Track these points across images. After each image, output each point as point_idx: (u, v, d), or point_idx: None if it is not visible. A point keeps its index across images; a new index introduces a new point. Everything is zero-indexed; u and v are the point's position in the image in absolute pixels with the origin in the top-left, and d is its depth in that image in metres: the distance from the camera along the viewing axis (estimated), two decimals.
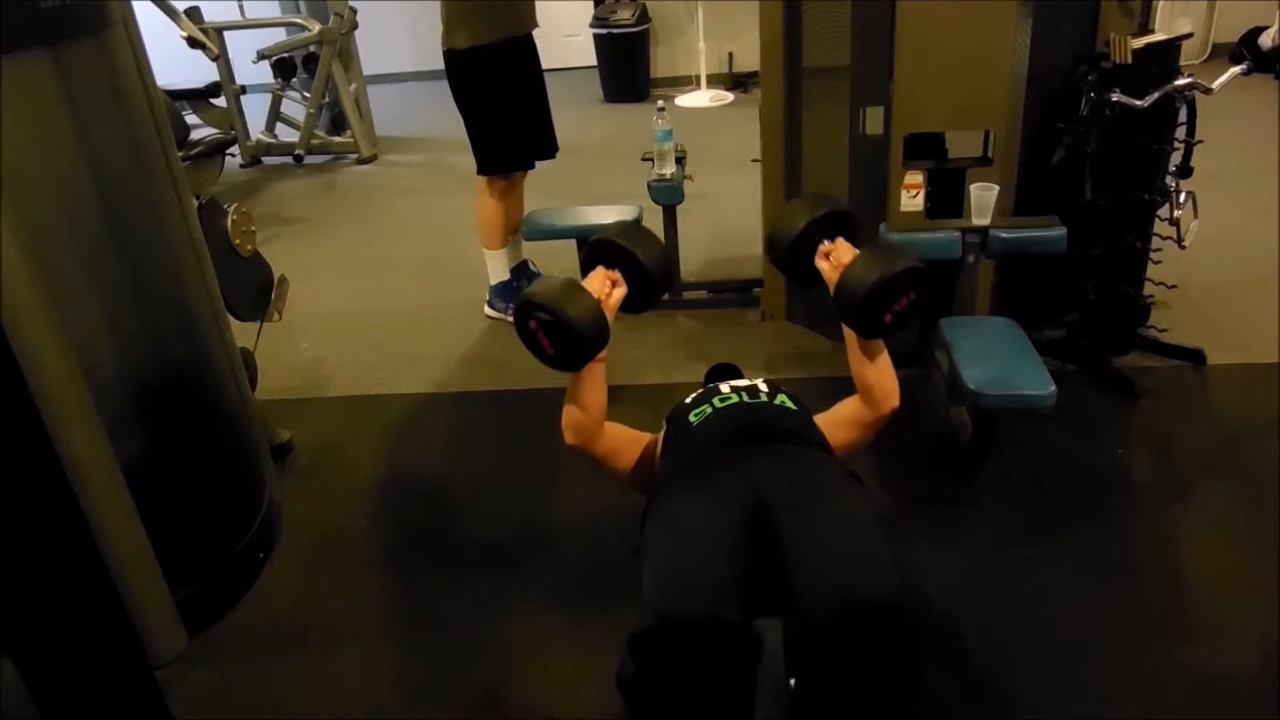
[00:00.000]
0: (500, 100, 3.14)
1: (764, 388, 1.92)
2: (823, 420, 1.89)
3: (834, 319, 1.81)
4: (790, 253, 1.84)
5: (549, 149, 3.37)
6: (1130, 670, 1.85)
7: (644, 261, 1.80)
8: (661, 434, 1.92)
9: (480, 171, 3.27)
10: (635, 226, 1.93)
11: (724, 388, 1.91)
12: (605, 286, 1.78)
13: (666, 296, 3.37)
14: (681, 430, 1.84)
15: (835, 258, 1.79)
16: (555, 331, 1.67)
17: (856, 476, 1.71)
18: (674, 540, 1.54)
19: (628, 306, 1.82)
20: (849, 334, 1.80)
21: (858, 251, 1.75)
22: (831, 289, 1.77)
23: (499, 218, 3.33)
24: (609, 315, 1.73)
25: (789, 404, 1.86)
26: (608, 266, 1.82)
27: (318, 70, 5.46)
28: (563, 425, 1.81)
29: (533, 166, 3.36)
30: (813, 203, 1.85)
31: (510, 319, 3.40)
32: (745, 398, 1.86)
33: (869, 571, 1.44)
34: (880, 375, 1.80)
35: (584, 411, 1.79)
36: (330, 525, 2.48)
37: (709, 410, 1.83)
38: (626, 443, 1.91)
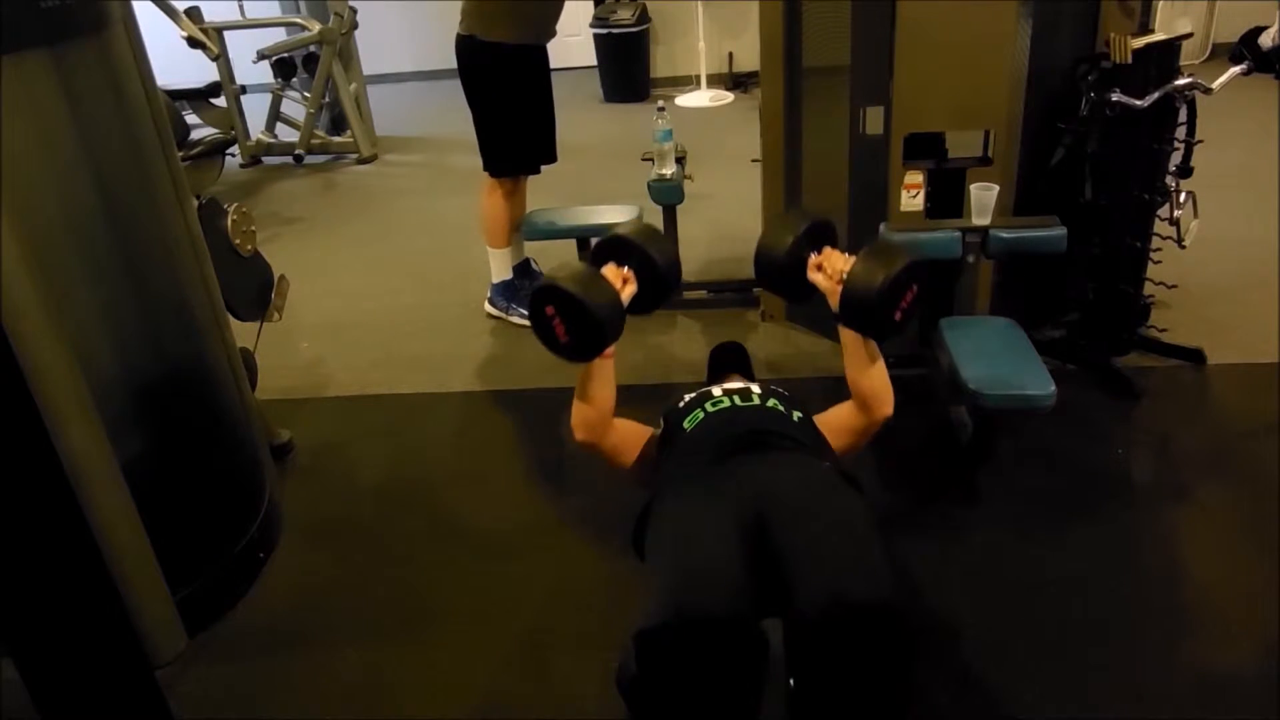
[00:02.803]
0: (516, 103, 3.16)
1: (757, 390, 1.92)
2: (817, 423, 1.89)
3: (834, 323, 1.81)
4: (783, 270, 1.85)
5: (550, 155, 3.39)
6: (1130, 670, 1.85)
7: (656, 260, 1.80)
8: (659, 431, 1.92)
9: (488, 170, 3.27)
10: (649, 226, 1.93)
11: (716, 391, 1.91)
12: (617, 282, 1.78)
13: None
14: (675, 436, 1.84)
15: (829, 267, 1.80)
16: (574, 318, 1.65)
17: (853, 478, 1.71)
18: (683, 540, 1.55)
19: (635, 306, 1.82)
20: (847, 340, 1.81)
21: (851, 258, 1.75)
22: (832, 298, 1.78)
23: (504, 217, 3.33)
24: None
25: (780, 407, 1.86)
26: (619, 264, 1.82)
27: (318, 70, 5.46)
28: (572, 422, 1.82)
29: (539, 171, 3.37)
30: (795, 218, 1.87)
31: (511, 318, 3.44)
32: (738, 401, 1.86)
33: (863, 573, 1.45)
34: (876, 382, 1.81)
35: (594, 407, 1.79)
36: (330, 525, 2.47)
37: (701, 415, 1.84)
38: (634, 437, 1.92)
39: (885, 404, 1.82)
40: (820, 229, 1.86)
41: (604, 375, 1.79)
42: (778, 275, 1.86)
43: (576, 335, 1.67)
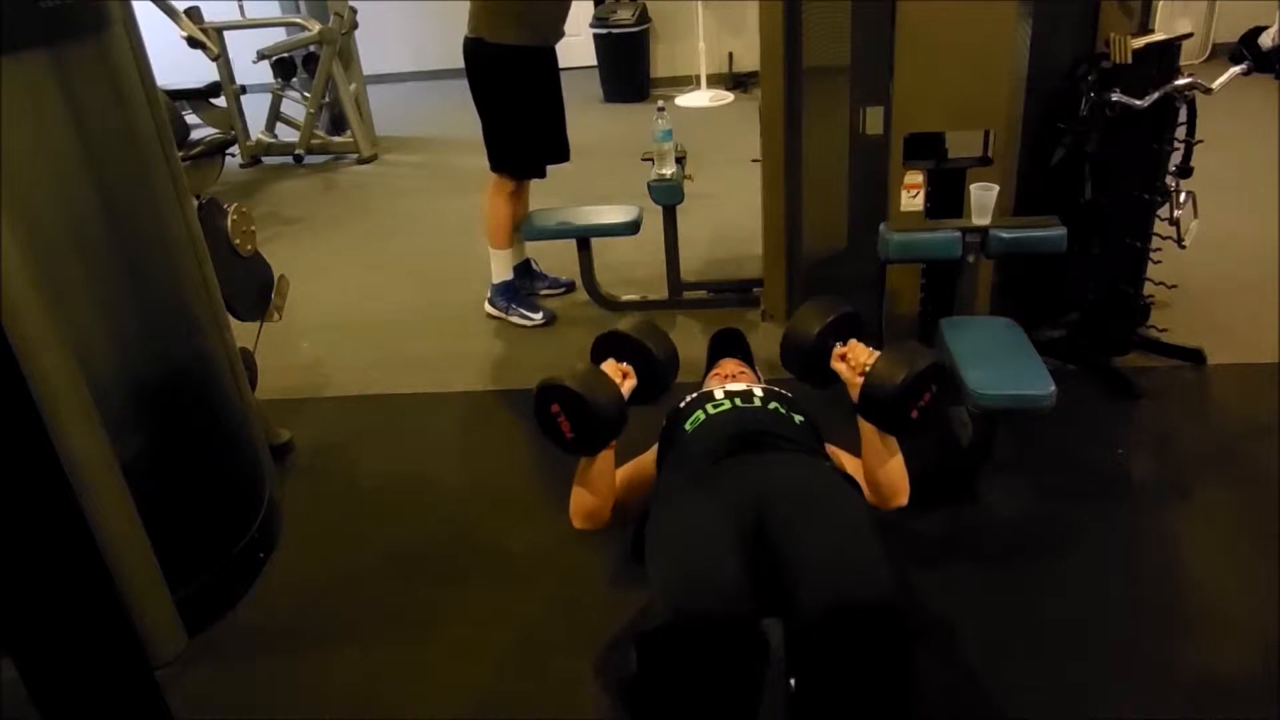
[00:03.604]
0: (523, 106, 3.17)
1: (758, 392, 1.92)
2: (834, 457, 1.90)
3: (852, 417, 1.84)
4: (807, 358, 1.89)
5: (562, 154, 3.39)
6: (1130, 670, 1.85)
7: (655, 355, 1.86)
8: (654, 449, 1.93)
9: (493, 169, 3.28)
10: (646, 321, 1.97)
11: (718, 393, 1.91)
12: (617, 377, 1.81)
13: (666, 296, 3.40)
14: (676, 436, 1.85)
15: (853, 359, 1.83)
16: (578, 415, 1.70)
17: (852, 479, 1.71)
18: (683, 541, 1.55)
19: (636, 398, 1.86)
20: (865, 432, 1.82)
21: (875, 352, 1.78)
22: (852, 390, 1.81)
23: (507, 218, 3.34)
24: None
25: (782, 410, 1.87)
26: (618, 359, 1.87)
27: (318, 70, 5.46)
28: (571, 511, 1.84)
29: (544, 174, 3.38)
30: (823, 308, 1.90)
31: (511, 318, 3.44)
32: (739, 403, 1.87)
33: (863, 573, 1.45)
34: (893, 476, 1.82)
35: (595, 496, 1.82)
36: (330, 525, 2.47)
37: (702, 417, 1.84)
38: (633, 492, 1.91)
39: (900, 495, 1.83)
40: (847, 320, 1.91)
41: (605, 466, 1.81)
42: (802, 360, 1.91)
43: (581, 431, 1.72)
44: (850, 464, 1.92)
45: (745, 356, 2.34)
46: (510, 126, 3.19)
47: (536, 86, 3.18)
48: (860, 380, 1.77)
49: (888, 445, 1.80)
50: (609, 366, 1.84)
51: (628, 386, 1.83)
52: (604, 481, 1.82)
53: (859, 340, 1.88)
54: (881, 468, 1.81)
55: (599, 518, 1.85)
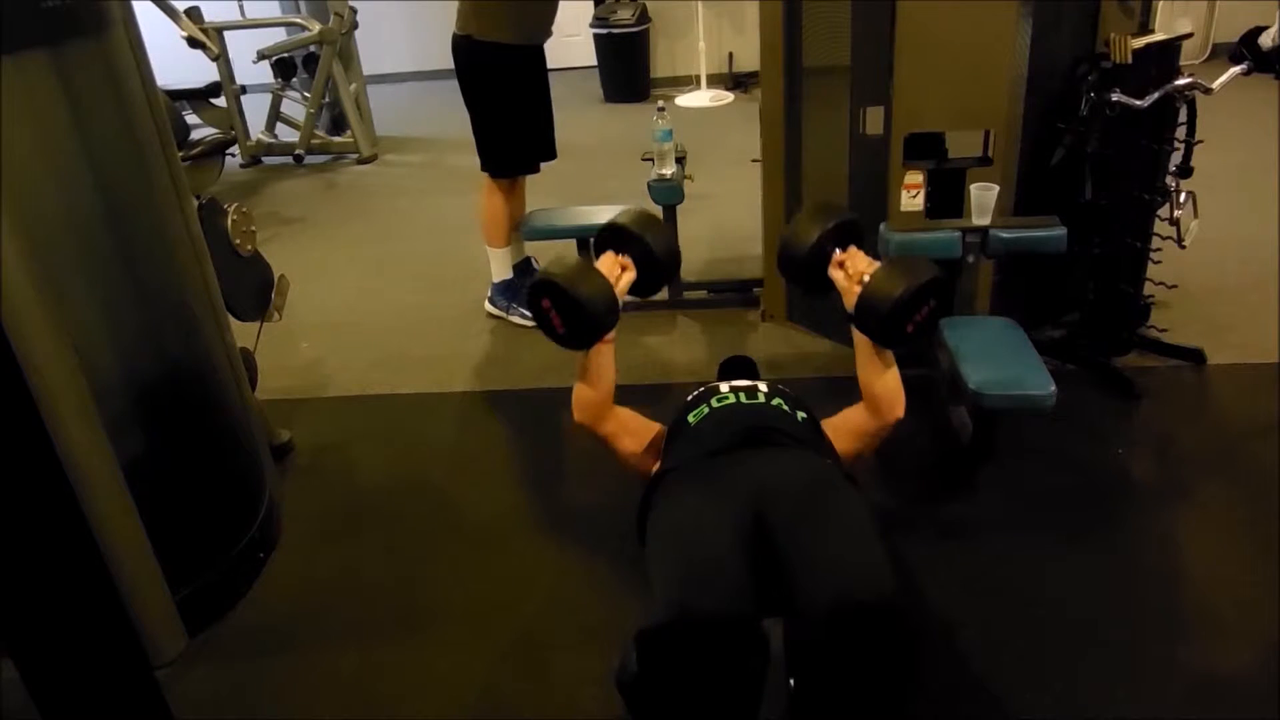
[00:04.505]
0: (513, 104, 3.16)
1: (763, 388, 1.92)
2: (827, 427, 1.90)
3: (844, 324, 1.83)
4: (805, 264, 1.87)
5: (549, 153, 3.39)
6: (1130, 670, 1.85)
7: (653, 248, 1.88)
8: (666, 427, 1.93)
9: (486, 170, 3.28)
10: (646, 214, 1.98)
11: (723, 387, 1.91)
12: (615, 270, 1.86)
13: (667, 296, 3.40)
14: (680, 430, 1.85)
15: (851, 267, 1.81)
16: (567, 310, 1.73)
17: (853, 478, 1.71)
18: (685, 539, 1.55)
19: (636, 290, 1.91)
20: (860, 342, 1.81)
21: (875, 261, 1.77)
22: (848, 299, 1.80)
23: (503, 216, 3.33)
24: (618, 298, 1.81)
25: (785, 406, 1.87)
26: (618, 251, 1.89)
27: (318, 70, 5.46)
28: (572, 403, 1.88)
29: (538, 170, 3.38)
30: (823, 213, 1.88)
31: (511, 318, 3.44)
32: (743, 399, 1.87)
33: (865, 572, 1.45)
34: (888, 385, 1.82)
35: (593, 389, 1.85)
36: (330, 525, 2.47)
37: (706, 410, 1.85)
38: (633, 428, 1.95)
39: (897, 406, 1.83)
40: (847, 226, 1.88)
41: (602, 360, 1.85)
42: (799, 267, 1.89)
43: (571, 326, 1.76)
44: (844, 420, 1.92)
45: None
46: (500, 124, 3.19)
47: (525, 84, 3.17)
48: (858, 289, 1.76)
49: (884, 358, 1.80)
50: (608, 259, 1.89)
51: (627, 279, 1.88)
52: (602, 376, 1.86)
53: (859, 248, 1.87)
54: (879, 380, 1.81)
55: (594, 413, 1.89)
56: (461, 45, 3.09)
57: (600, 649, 1.90)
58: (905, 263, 1.73)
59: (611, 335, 1.84)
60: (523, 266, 3.51)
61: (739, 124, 5.76)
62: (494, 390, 3.07)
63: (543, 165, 3.40)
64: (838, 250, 1.85)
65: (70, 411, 1.73)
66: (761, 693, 1.47)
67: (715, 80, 6.68)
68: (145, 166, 2.00)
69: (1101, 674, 1.84)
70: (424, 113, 6.71)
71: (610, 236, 1.92)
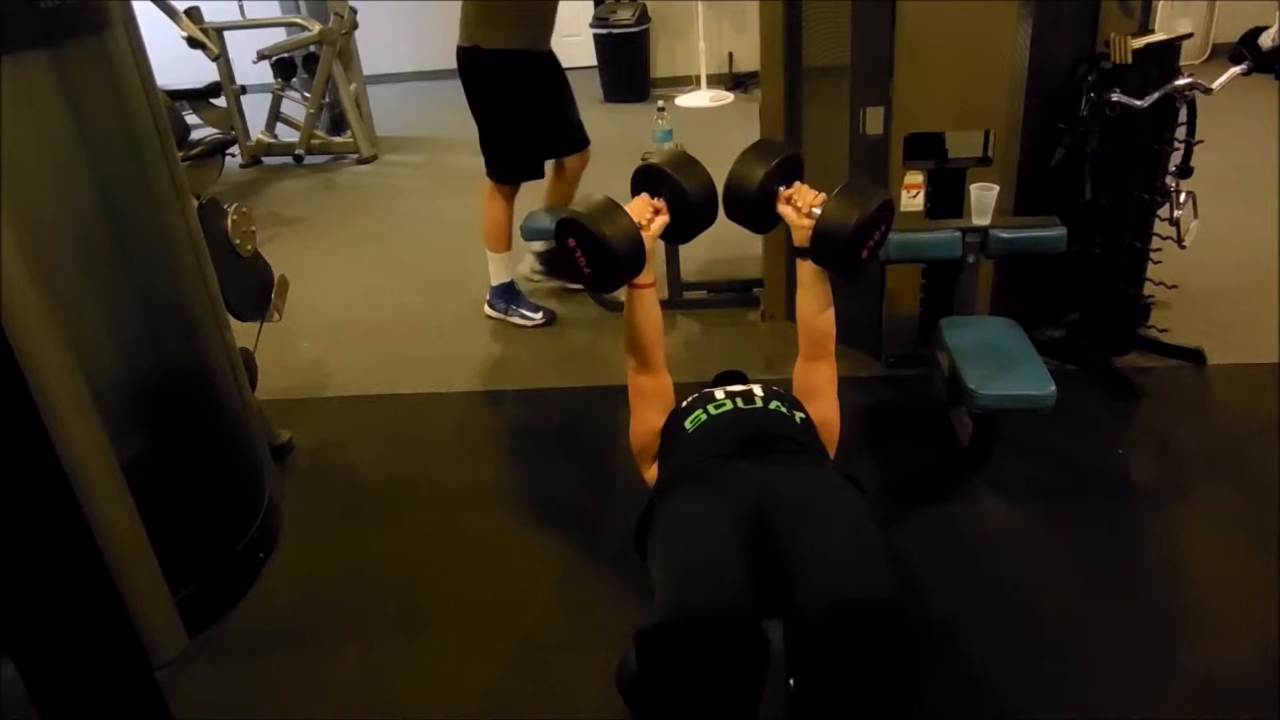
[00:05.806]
0: (518, 110, 3.18)
1: (759, 393, 1.91)
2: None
3: (794, 255, 1.85)
4: (752, 205, 1.85)
5: (575, 144, 3.41)
6: (1130, 670, 1.85)
7: (688, 191, 1.80)
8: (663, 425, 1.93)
9: (490, 176, 3.29)
10: (683, 155, 1.90)
11: (719, 393, 1.90)
12: (647, 213, 1.79)
13: (666, 296, 3.40)
14: (677, 436, 1.84)
15: (800, 201, 1.81)
16: (591, 250, 1.67)
17: (854, 479, 1.71)
18: (684, 541, 1.55)
19: (670, 235, 1.85)
20: (807, 278, 1.84)
21: (821, 194, 1.78)
22: (798, 233, 1.81)
23: (504, 222, 3.35)
24: (649, 242, 1.75)
25: (783, 409, 1.86)
26: (652, 194, 1.83)
27: (318, 70, 5.46)
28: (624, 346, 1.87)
29: (542, 175, 3.38)
30: (766, 153, 1.86)
31: (511, 319, 3.44)
32: (740, 404, 1.86)
33: (865, 572, 1.45)
34: (828, 322, 1.86)
35: (635, 332, 1.83)
36: (330, 525, 2.47)
37: (704, 417, 1.84)
38: (663, 397, 1.92)
39: (830, 340, 1.88)
40: (790, 162, 1.87)
41: (642, 304, 1.81)
42: (746, 207, 1.86)
43: (596, 266, 1.70)
44: (802, 392, 1.92)
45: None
46: (505, 131, 3.21)
47: (532, 90, 3.18)
48: (807, 223, 1.76)
49: (827, 294, 1.84)
50: (640, 201, 1.82)
51: (659, 223, 1.80)
52: (641, 319, 1.81)
53: (802, 183, 1.86)
54: (821, 314, 1.85)
55: (641, 356, 1.85)
56: (468, 56, 3.11)
57: (600, 649, 1.90)
58: (854, 189, 1.73)
59: (651, 280, 1.79)
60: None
61: (739, 124, 5.75)
62: (494, 390, 3.07)
63: (543, 165, 3.40)
64: (783, 187, 1.85)
65: (70, 411, 1.73)
66: (761, 693, 1.47)
67: (715, 80, 6.68)
68: (145, 166, 2.00)
69: (1101, 674, 1.84)
70: (424, 113, 6.71)
71: (644, 178, 1.85)
